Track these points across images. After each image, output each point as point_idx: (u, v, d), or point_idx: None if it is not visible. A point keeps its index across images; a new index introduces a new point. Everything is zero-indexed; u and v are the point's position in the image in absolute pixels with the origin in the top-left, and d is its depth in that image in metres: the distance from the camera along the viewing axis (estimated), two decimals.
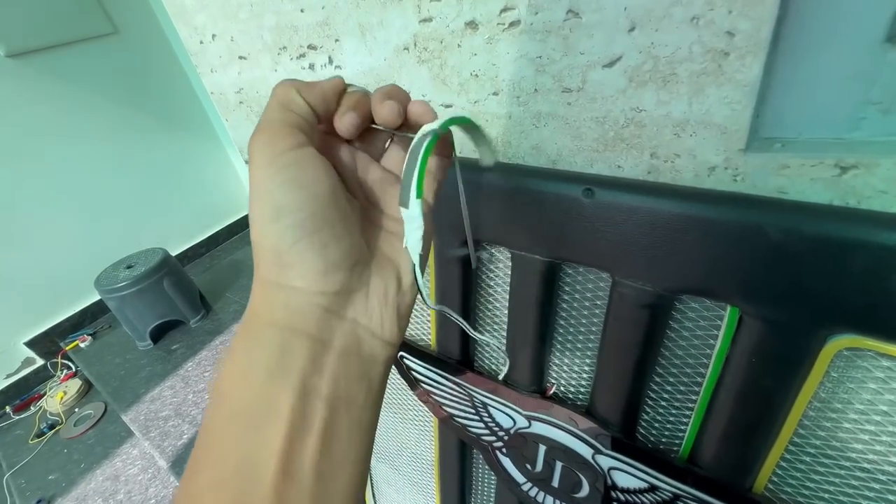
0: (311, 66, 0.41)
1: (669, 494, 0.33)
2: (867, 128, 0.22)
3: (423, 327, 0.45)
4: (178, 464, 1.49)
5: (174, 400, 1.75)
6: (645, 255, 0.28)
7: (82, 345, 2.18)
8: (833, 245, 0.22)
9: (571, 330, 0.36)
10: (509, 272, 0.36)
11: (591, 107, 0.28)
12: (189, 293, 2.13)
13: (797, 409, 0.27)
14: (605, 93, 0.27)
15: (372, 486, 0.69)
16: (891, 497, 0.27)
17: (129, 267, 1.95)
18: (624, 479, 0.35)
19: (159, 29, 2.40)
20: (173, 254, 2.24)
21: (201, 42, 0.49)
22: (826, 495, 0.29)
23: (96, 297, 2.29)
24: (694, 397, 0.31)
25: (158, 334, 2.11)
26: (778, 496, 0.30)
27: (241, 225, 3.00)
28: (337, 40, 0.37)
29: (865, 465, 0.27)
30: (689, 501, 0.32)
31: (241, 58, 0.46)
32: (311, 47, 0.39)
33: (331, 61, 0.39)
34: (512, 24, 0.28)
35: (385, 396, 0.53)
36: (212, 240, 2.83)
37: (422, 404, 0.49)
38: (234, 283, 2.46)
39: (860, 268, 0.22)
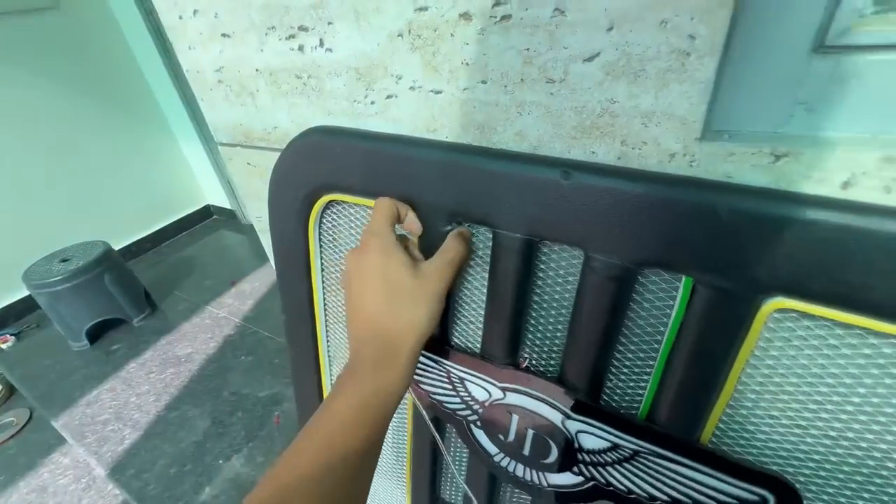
0: (301, 48, 0.41)
1: (629, 451, 0.36)
2: (795, 123, 0.27)
3: None
4: (119, 470, 1.39)
5: (114, 403, 1.64)
6: (614, 232, 0.31)
7: (4, 346, 1.97)
8: (767, 221, 0.26)
9: (545, 305, 0.39)
10: (489, 252, 0.38)
11: (571, 97, 0.31)
12: (133, 290, 2.00)
13: (737, 368, 0.31)
14: (584, 85, 0.30)
15: None
16: (825, 441, 0.31)
17: (64, 260, 1.80)
18: (589, 441, 0.38)
19: (105, 5, 2.24)
20: (116, 248, 2.09)
21: (180, 17, 0.48)
22: (758, 443, 0.33)
23: (23, 293, 2.09)
24: (652, 362, 0.35)
25: (96, 334, 1.96)
26: (720, 446, 0.34)
27: (192, 220, 2.85)
28: (330, 23, 0.38)
29: (790, 415, 0.31)
30: (646, 456, 0.36)
31: (224, 35, 0.46)
32: (301, 29, 0.40)
33: (322, 44, 0.40)
34: (503, 18, 0.30)
35: None
36: (159, 235, 2.67)
37: None
38: (183, 280, 2.33)
39: (788, 240, 0.26)
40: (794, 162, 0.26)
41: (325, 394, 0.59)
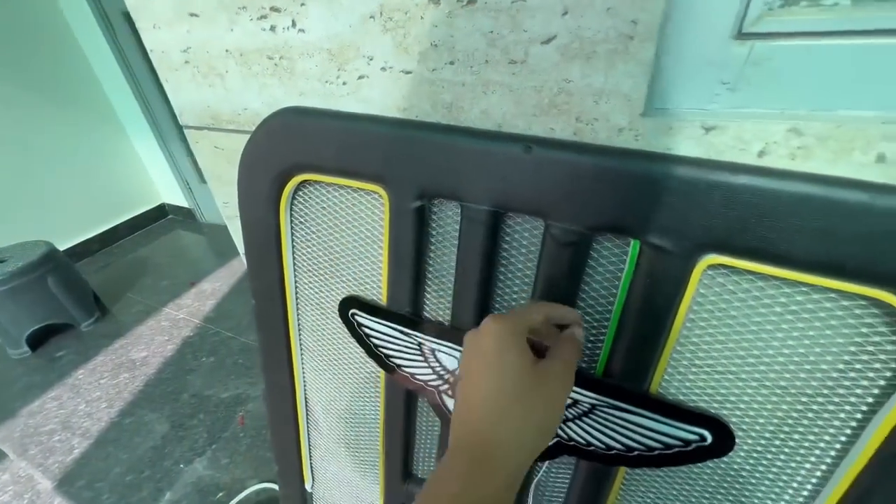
0: (273, 29, 0.42)
1: (588, 405, 0.40)
2: (721, 101, 0.31)
3: (375, 282, 0.48)
4: (68, 481, 1.31)
5: (61, 412, 1.54)
6: (570, 200, 0.34)
7: None
8: (698, 186, 0.30)
9: (510, 275, 0.42)
10: (457, 226, 0.41)
11: (531, 77, 0.34)
12: (79, 293, 1.89)
13: (678, 321, 0.35)
14: (542, 65, 0.33)
15: (311, 461, 0.69)
16: (752, 384, 0.36)
17: (0, 261, 1.68)
18: None
19: None
20: (61, 248, 1.97)
21: None
22: (697, 389, 0.37)
23: None
24: (607, 322, 0.39)
25: (39, 340, 1.83)
26: (667, 394, 0.38)
27: (146, 219, 2.71)
28: (303, 4, 0.39)
29: (723, 361, 0.36)
30: (602, 409, 0.39)
31: (192, 15, 0.46)
32: (273, 9, 0.41)
33: (294, 24, 0.41)
34: (469, 2, 0.33)
35: (330, 365, 0.56)
36: (109, 235, 2.52)
37: (365, 366, 0.51)
38: (136, 282, 2.22)
39: (716, 202, 0.30)
40: (721, 134, 0.30)
41: (296, 380, 0.59)
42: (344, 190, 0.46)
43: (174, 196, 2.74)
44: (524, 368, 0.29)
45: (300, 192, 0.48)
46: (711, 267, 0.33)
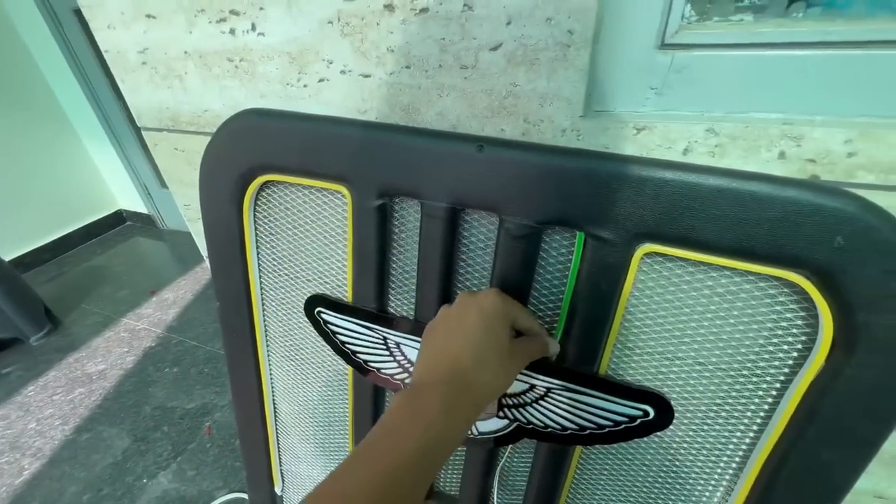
0: (232, 32, 0.43)
1: (543, 389, 0.42)
2: (650, 104, 0.34)
3: (340, 280, 0.49)
4: None
5: (8, 432, 1.45)
6: (521, 196, 0.37)
7: None
8: (633, 181, 0.33)
9: (469, 268, 0.44)
10: (419, 223, 0.43)
11: (481, 81, 0.36)
12: (28, 305, 1.79)
13: (622, 307, 0.38)
14: (491, 70, 0.36)
15: (281, 465, 0.68)
16: (689, 361, 0.39)
17: None
18: (512, 386, 0.43)
19: None
20: (7, 258, 1.85)
21: None
22: (641, 369, 0.40)
23: None
24: (558, 309, 0.41)
25: None
26: (615, 375, 0.41)
27: (102, 226, 2.59)
28: (262, 8, 0.40)
29: (663, 342, 0.39)
30: (557, 391, 0.42)
31: (148, 16, 0.46)
32: (233, 12, 0.42)
33: (254, 28, 0.42)
34: (422, 10, 0.35)
35: (298, 365, 0.57)
36: (61, 243, 2.39)
37: (333, 364, 0.52)
38: (92, 292, 2.11)
39: (649, 196, 0.33)
40: (650, 134, 0.34)
41: (263, 380, 0.59)
42: (307, 190, 0.47)
43: (132, 202, 2.62)
44: (507, 336, 0.34)
45: (263, 193, 0.49)
46: (648, 255, 0.36)
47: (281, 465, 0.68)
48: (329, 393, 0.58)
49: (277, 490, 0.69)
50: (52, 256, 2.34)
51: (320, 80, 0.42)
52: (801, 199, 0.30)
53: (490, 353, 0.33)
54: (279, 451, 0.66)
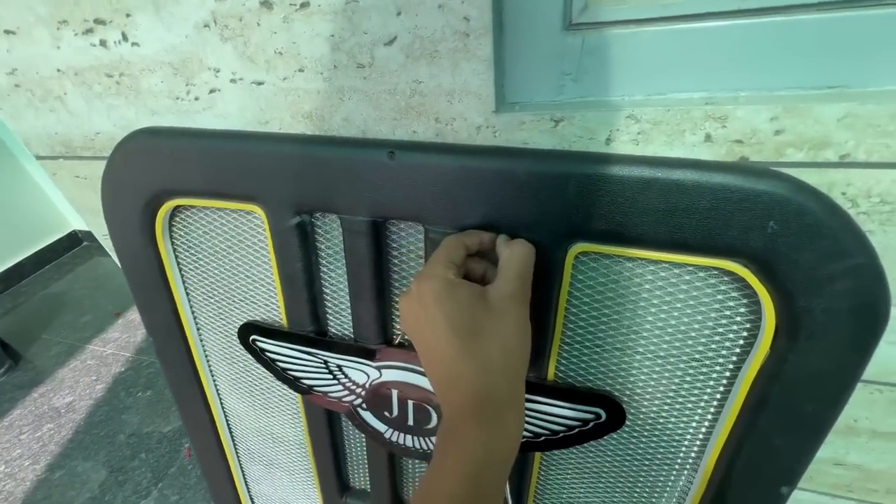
0: (103, 43, 0.38)
1: None
2: (567, 92, 0.31)
3: (273, 304, 0.46)
4: None
5: None
6: (440, 203, 0.34)
7: None
8: (555, 178, 0.31)
9: (405, 281, 0.41)
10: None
11: (382, 80, 0.33)
12: None
13: (561, 309, 0.36)
14: (390, 67, 0.32)
15: (249, 491, 0.66)
16: (637, 357, 0.37)
17: None
18: None
19: None
20: None
21: None
22: (591, 371, 0.39)
23: None
24: None
25: None
26: (564, 379, 0.39)
27: (57, 250, 2.46)
28: (128, 15, 0.35)
29: (609, 340, 0.37)
30: None
31: (8, 32, 0.40)
32: (98, 22, 0.36)
33: (125, 38, 0.37)
34: (303, 6, 0.31)
35: (247, 390, 0.53)
36: (12, 273, 2.27)
37: (282, 386, 0.49)
38: (52, 321, 2.02)
39: (573, 193, 0.30)
40: (570, 125, 0.31)
41: (214, 411, 0.56)
42: (221, 212, 0.43)
43: None
44: (477, 307, 0.27)
45: (177, 219, 0.44)
46: (582, 254, 0.33)
47: (248, 490, 0.65)
48: (282, 416, 0.55)
49: None
50: (5, 288, 2.22)
51: (211, 91, 0.38)
52: (728, 184, 0.28)
53: (479, 348, 0.27)
54: (244, 476, 0.64)
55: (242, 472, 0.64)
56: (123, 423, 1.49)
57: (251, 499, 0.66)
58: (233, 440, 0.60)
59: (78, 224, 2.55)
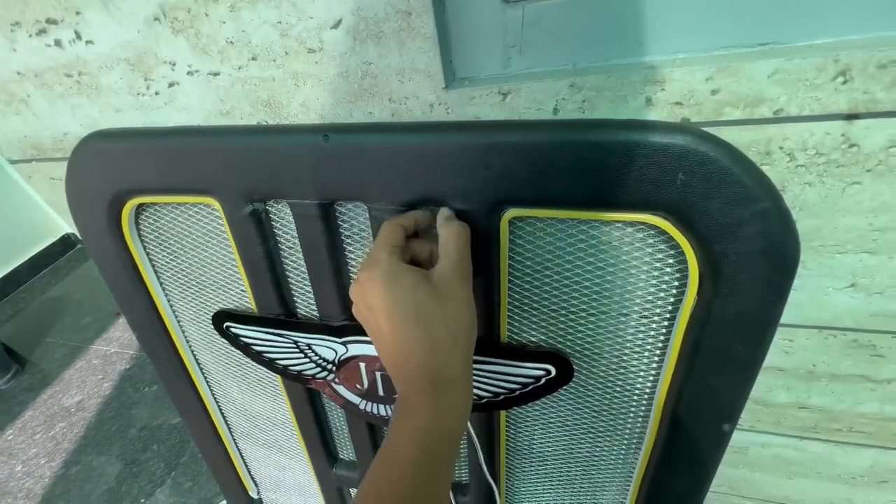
0: (58, 43, 0.38)
1: None
2: (513, 64, 0.32)
3: (242, 291, 0.47)
4: None
5: None
6: (378, 181, 0.35)
7: None
8: (478, 148, 0.31)
9: (357, 261, 0.42)
10: None
11: (333, 63, 0.33)
12: None
13: (503, 274, 0.37)
14: (339, 50, 0.32)
15: (249, 471, 0.69)
16: (580, 314, 0.38)
17: None
18: None
19: None
20: None
21: None
22: (540, 330, 0.40)
23: None
24: None
25: None
26: (516, 340, 0.41)
27: (51, 255, 2.46)
28: (78, 12, 0.35)
29: (553, 300, 0.38)
30: None
31: None
32: (50, 21, 0.37)
33: (79, 36, 0.37)
34: None
35: (231, 375, 0.55)
36: (9, 280, 2.28)
37: (261, 368, 0.51)
38: (54, 324, 2.04)
39: (497, 161, 0.31)
40: (517, 97, 0.31)
41: (204, 398, 0.58)
42: (182, 207, 0.44)
43: None
44: (423, 291, 0.29)
45: (142, 216, 0.45)
46: (516, 219, 0.34)
47: (249, 471, 0.68)
48: (266, 397, 0.57)
49: (253, 494, 0.70)
50: (3, 295, 2.24)
51: (171, 85, 0.38)
52: (636, 140, 0.28)
53: (420, 317, 0.28)
54: (242, 458, 0.66)
55: (241, 454, 0.66)
56: (133, 418, 1.53)
57: (253, 479, 0.69)
58: (227, 424, 0.63)
59: (70, 227, 2.55)
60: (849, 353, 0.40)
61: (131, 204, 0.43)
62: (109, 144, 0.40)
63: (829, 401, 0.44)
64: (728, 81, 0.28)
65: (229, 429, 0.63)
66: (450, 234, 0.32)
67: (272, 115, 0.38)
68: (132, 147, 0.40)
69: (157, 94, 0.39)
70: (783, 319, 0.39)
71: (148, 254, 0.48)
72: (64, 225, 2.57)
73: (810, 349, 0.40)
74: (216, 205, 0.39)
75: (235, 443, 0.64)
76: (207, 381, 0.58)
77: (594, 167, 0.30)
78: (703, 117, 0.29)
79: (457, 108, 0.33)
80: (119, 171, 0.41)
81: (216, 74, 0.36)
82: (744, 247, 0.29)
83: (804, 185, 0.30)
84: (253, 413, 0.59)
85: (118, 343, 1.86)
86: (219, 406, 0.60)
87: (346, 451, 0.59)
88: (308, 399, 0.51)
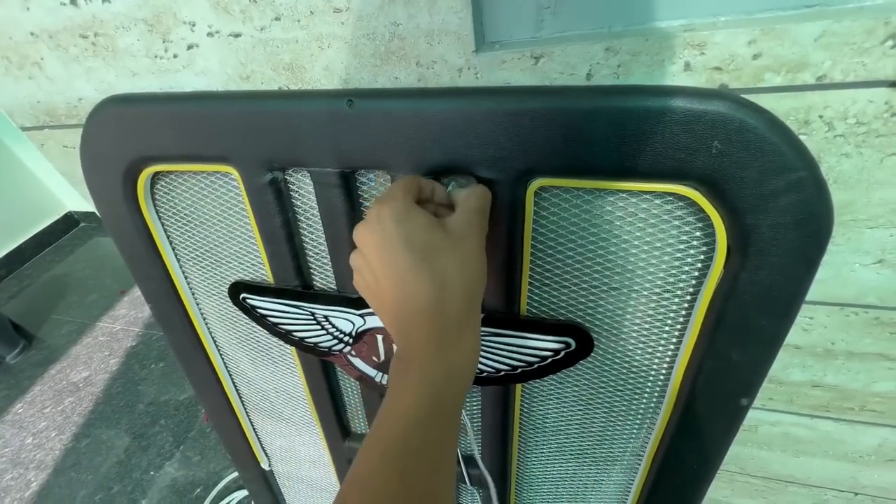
0: (73, 2, 0.37)
1: None
2: (546, 27, 0.31)
3: (259, 262, 0.47)
4: None
5: (7, 450, 1.46)
6: (403, 149, 0.34)
7: None
8: (507, 115, 0.31)
9: None
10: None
11: (360, 25, 0.32)
12: None
13: (527, 244, 0.36)
14: (367, 10, 0.31)
15: (261, 443, 0.70)
16: (603, 289, 0.38)
17: None
18: None
19: None
20: None
21: None
22: (561, 304, 0.39)
23: None
24: None
25: None
26: (535, 313, 0.40)
27: (54, 233, 2.47)
28: None
29: (575, 274, 0.38)
30: (485, 337, 0.41)
31: None
32: None
33: None
34: None
35: (246, 347, 0.54)
36: (13, 258, 2.28)
37: (275, 340, 0.51)
38: (59, 301, 2.05)
39: (527, 128, 0.30)
40: (550, 61, 0.31)
41: (218, 370, 0.58)
42: (199, 175, 0.43)
43: (80, 202, 2.48)
44: (436, 230, 0.28)
45: (158, 185, 0.45)
46: (542, 189, 0.34)
47: (262, 444, 0.69)
48: (280, 370, 0.57)
49: (265, 466, 0.71)
50: (8, 273, 2.24)
51: (190, 47, 0.37)
52: (672, 106, 0.28)
53: (430, 255, 0.27)
54: (255, 430, 0.67)
55: (253, 426, 0.67)
56: (141, 394, 1.55)
57: (264, 451, 0.70)
58: (240, 397, 0.63)
59: (73, 205, 2.54)
60: (870, 332, 0.39)
61: (147, 172, 0.42)
62: (126, 110, 0.39)
63: (844, 379, 0.44)
64: (771, 45, 0.27)
65: (242, 401, 0.63)
66: (471, 192, 0.31)
67: (294, 80, 0.37)
68: (149, 113, 0.39)
69: (175, 56, 0.38)
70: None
71: (163, 224, 0.47)
72: (66, 203, 2.56)
73: (830, 327, 0.40)
74: (234, 173, 0.39)
75: (248, 415, 0.65)
76: (221, 354, 0.58)
77: (627, 135, 0.29)
78: (742, 83, 0.29)
79: (486, 72, 0.32)
80: (135, 137, 0.40)
81: (237, 36, 0.35)
82: (777, 218, 0.29)
83: (841, 155, 0.30)
84: (266, 386, 0.60)
85: (124, 321, 1.87)
86: (232, 378, 0.61)
87: (359, 424, 0.60)
88: (322, 372, 0.51)
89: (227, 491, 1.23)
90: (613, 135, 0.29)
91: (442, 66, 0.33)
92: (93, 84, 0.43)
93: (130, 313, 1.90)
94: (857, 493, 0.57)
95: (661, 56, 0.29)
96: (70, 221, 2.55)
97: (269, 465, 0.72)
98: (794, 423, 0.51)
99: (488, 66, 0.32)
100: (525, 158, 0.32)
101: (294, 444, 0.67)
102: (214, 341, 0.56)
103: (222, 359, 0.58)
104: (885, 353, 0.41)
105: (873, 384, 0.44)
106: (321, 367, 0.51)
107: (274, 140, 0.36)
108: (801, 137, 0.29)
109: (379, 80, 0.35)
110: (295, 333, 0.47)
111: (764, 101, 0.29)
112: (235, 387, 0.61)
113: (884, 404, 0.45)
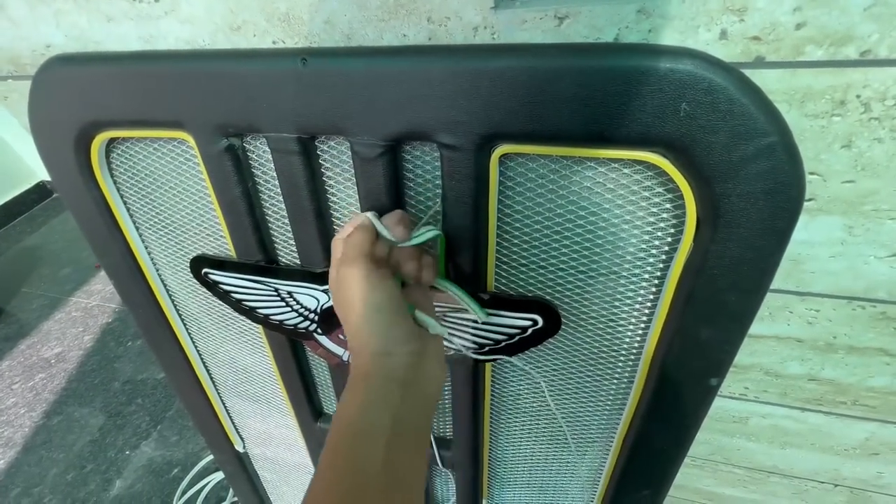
0: None
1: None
2: None
3: (220, 236, 0.45)
4: (1, 494, 1.22)
5: None
6: (360, 112, 0.31)
7: None
8: (466, 75, 0.28)
9: (341, 200, 0.39)
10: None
11: None
12: None
13: (492, 217, 0.34)
14: None
15: (234, 424, 0.67)
16: (569, 262, 0.37)
17: None
18: None
19: None
20: None
21: None
22: (528, 279, 0.38)
23: None
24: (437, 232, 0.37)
25: None
26: (502, 289, 0.39)
27: (25, 203, 2.36)
28: None
29: (540, 247, 0.36)
30: (449, 314, 0.40)
31: None
32: None
33: None
34: None
35: (212, 324, 0.51)
36: None
37: (243, 319, 0.49)
38: (30, 274, 1.97)
39: (488, 89, 0.28)
40: (575, 23, 0.28)
41: (186, 349, 0.56)
42: (157, 143, 0.40)
43: None
44: (395, 300, 0.31)
45: (115, 152, 0.42)
46: (505, 157, 0.32)
47: (234, 425, 0.67)
48: (249, 349, 0.56)
49: (239, 448, 0.69)
50: None
51: None
52: (638, 65, 0.26)
53: (394, 311, 0.30)
54: (227, 411, 0.65)
55: (226, 407, 0.65)
56: (117, 371, 1.50)
57: (237, 432, 0.68)
58: (210, 376, 0.61)
59: (46, 174, 2.42)
60: (874, 326, 0.39)
61: (100, 138, 0.39)
62: (73, 70, 0.36)
63: (841, 374, 0.44)
64: (817, 13, 0.25)
65: (213, 381, 0.61)
66: (425, 268, 0.34)
67: (289, 33, 0.33)
68: (98, 73, 0.36)
69: (156, 1, 0.34)
70: (812, 289, 0.38)
71: (122, 194, 0.44)
72: (38, 172, 2.44)
73: (835, 320, 0.39)
74: (190, 140, 0.36)
75: (220, 396, 0.63)
76: (189, 332, 0.55)
77: (592, 96, 0.27)
78: (780, 56, 0.27)
79: (504, 32, 0.29)
80: (85, 100, 0.37)
81: None
82: (746, 187, 0.27)
83: (873, 140, 0.28)
84: (236, 366, 0.58)
85: (99, 296, 1.80)
86: (201, 358, 0.58)
87: (330, 404, 0.58)
88: (291, 351, 0.50)
89: (206, 472, 1.20)
90: (578, 96, 0.27)
91: (456, 23, 0.30)
92: (62, 29, 0.38)
93: (106, 289, 1.83)
94: (836, 485, 0.58)
95: (696, 21, 0.26)
96: (42, 192, 2.43)
97: (244, 447, 0.70)
98: (785, 415, 0.51)
99: (507, 26, 0.29)
100: (487, 122, 0.30)
101: (266, 426, 0.65)
102: (182, 319, 0.54)
103: (191, 337, 0.56)
104: (885, 349, 0.41)
105: (869, 379, 0.44)
106: (290, 346, 0.50)
107: (228, 103, 0.34)
108: (835, 119, 0.28)
109: (385, 37, 0.32)
110: (259, 311, 0.45)
111: (801, 77, 0.27)
112: (206, 366, 0.59)
113: (877, 399, 0.45)
